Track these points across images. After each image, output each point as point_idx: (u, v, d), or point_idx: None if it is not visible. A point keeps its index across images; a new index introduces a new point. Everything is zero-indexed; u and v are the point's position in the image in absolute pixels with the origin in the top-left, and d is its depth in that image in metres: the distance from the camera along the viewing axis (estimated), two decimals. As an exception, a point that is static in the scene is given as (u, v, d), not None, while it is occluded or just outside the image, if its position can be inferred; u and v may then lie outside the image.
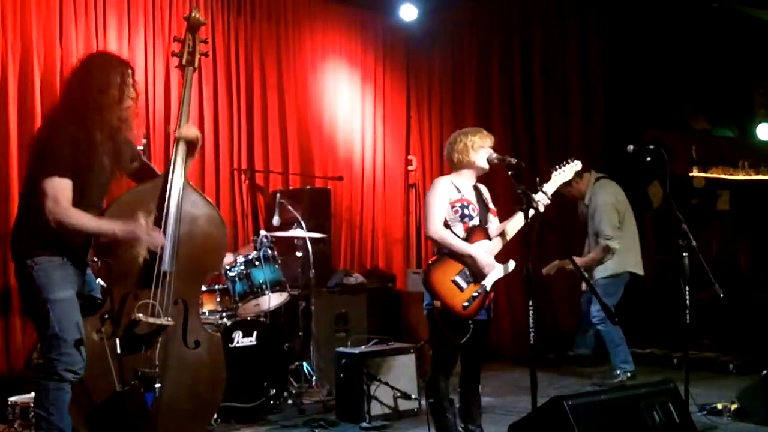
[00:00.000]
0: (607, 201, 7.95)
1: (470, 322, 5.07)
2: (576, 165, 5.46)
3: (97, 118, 4.31)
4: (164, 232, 4.54)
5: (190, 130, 4.74)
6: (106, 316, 4.47)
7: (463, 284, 5.08)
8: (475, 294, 5.07)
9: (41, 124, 4.72)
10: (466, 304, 5.04)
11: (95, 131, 4.30)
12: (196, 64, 4.94)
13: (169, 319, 4.53)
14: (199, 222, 4.75)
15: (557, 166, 5.44)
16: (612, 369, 7.90)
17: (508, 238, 5.27)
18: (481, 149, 5.22)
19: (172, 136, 4.91)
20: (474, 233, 5.16)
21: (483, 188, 5.42)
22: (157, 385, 4.50)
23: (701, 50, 10.96)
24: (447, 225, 5.17)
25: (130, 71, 4.51)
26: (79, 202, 4.25)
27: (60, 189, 4.18)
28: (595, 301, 7.82)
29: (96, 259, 4.96)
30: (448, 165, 5.41)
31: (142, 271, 4.53)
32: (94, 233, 4.31)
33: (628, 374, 7.81)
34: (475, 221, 5.19)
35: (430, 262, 5.33)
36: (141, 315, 4.45)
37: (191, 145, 4.74)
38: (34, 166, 4.33)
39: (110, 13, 7.50)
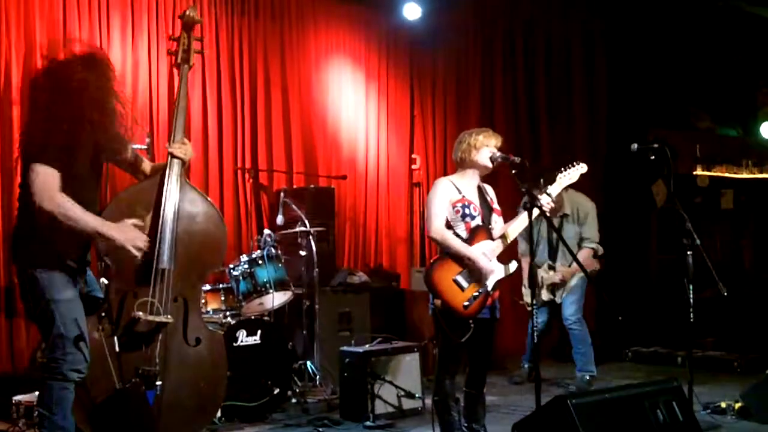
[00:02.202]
0: (593, 206, 7.93)
1: (471, 321, 5.07)
2: (581, 168, 5.43)
3: (85, 115, 4.30)
4: (162, 229, 4.55)
5: (186, 153, 4.72)
6: (105, 314, 4.47)
7: (464, 284, 5.08)
8: (476, 294, 5.07)
9: (26, 122, 4.67)
10: (466, 303, 5.04)
11: (85, 127, 4.29)
12: (191, 62, 4.95)
13: (169, 316, 4.53)
14: (197, 219, 4.75)
15: (562, 169, 5.42)
16: (578, 371, 7.84)
17: (509, 240, 5.27)
18: (484, 148, 5.21)
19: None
20: (476, 233, 5.16)
21: (488, 188, 5.41)
22: (158, 383, 4.50)
23: (705, 49, 10.96)
24: (449, 225, 5.17)
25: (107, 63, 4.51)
26: (72, 194, 4.21)
27: (47, 175, 4.14)
28: (570, 303, 7.78)
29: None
30: (456, 165, 5.40)
31: (141, 269, 4.52)
32: (78, 224, 4.19)
33: (593, 377, 7.81)
34: (477, 221, 5.19)
35: (431, 260, 5.33)
36: (140, 313, 4.45)
37: (183, 161, 4.73)
38: (23, 163, 4.30)
39: (114, 12, 7.50)
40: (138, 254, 4.32)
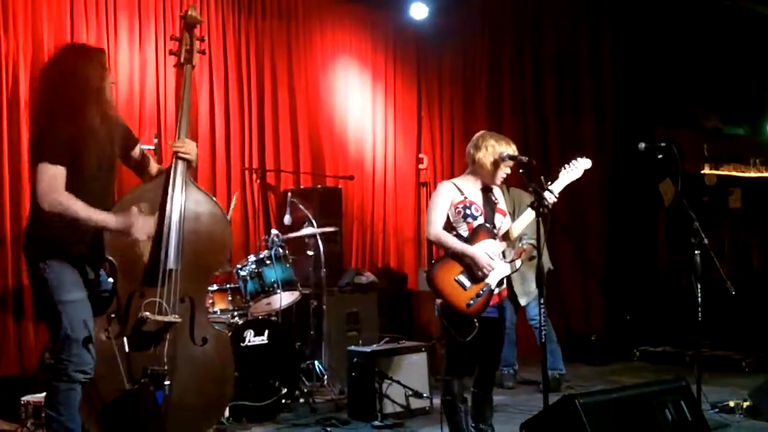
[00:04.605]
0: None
1: (475, 320, 5.06)
2: (585, 163, 5.38)
3: (86, 109, 4.31)
4: (168, 230, 4.55)
5: (190, 151, 4.69)
6: (113, 315, 4.48)
7: (467, 283, 5.05)
8: (480, 292, 5.06)
9: (30, 123, 4.70)
10: (470, 302, 5.02)
11: (88, 121, 4.31)
12: (194, 62, 4.96)
13: (176, 316, 4.54)
14: (202, 219, 4.75)
15: (565, 165, 5.40)
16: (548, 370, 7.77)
17: (512, 238, 5.25)
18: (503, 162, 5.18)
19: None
20: (478, 233, 5.13)
21: (495, 188, 5.38)
22: (167, 383, 4.50)
23: (713, 48, 10.95)
24: (453, 227, 5.15)
25: (103, 55, 4.56)
26: (83, 194, 4.23)
27: (52, 175, 4.16)
28: (533, 305, 7.68)
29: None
30: (467, 161, 5.33)
31: (147, 269, 4.54)
32: (85, 221, 4.22)
33: (562, 376, 7.78)
34: (479, 221, 5.17)
35: (433, 260, 5.32)
36: (148, 313, 4.45)
37: (189, 161, 4.72)
38: (31, 162, 4.33)
39: (121, 13, 7.52)
40: (138, 236, 4.31)
